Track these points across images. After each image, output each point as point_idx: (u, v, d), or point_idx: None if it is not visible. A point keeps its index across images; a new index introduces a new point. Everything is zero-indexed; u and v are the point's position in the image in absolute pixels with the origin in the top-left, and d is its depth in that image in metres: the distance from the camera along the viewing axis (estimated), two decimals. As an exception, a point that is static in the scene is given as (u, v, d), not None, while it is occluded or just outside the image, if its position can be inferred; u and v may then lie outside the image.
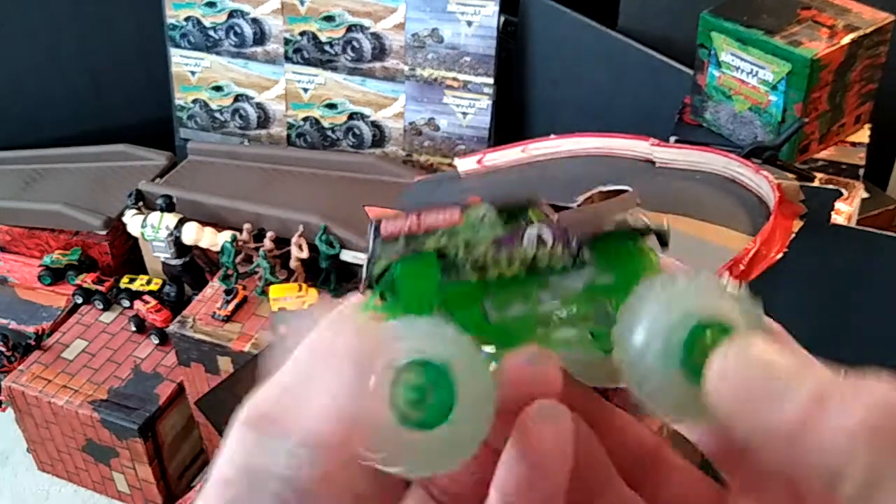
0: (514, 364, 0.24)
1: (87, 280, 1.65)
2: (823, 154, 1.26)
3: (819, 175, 1.21)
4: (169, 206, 1.60)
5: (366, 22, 1.72)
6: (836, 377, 0.22)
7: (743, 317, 0.24)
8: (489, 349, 0.25)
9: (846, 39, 1.16)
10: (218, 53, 1.84)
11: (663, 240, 0.26)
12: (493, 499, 0.24)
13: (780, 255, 0.94)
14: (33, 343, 1.58)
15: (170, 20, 1.84)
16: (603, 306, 0.25)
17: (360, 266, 1.46)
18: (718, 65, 1.25)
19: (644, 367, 0.23)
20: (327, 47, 1.77)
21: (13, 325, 1.66)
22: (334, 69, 1.78)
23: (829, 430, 0.21)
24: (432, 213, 0.24)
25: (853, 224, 1.19)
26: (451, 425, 0.23)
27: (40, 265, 1.72)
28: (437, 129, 1.76)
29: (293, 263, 1.50)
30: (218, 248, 1.53)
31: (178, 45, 1.86)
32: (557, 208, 0.26)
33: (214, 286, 1.51)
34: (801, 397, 0.21)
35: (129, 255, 1.75)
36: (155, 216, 1.59)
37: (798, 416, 0.21)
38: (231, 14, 1.80)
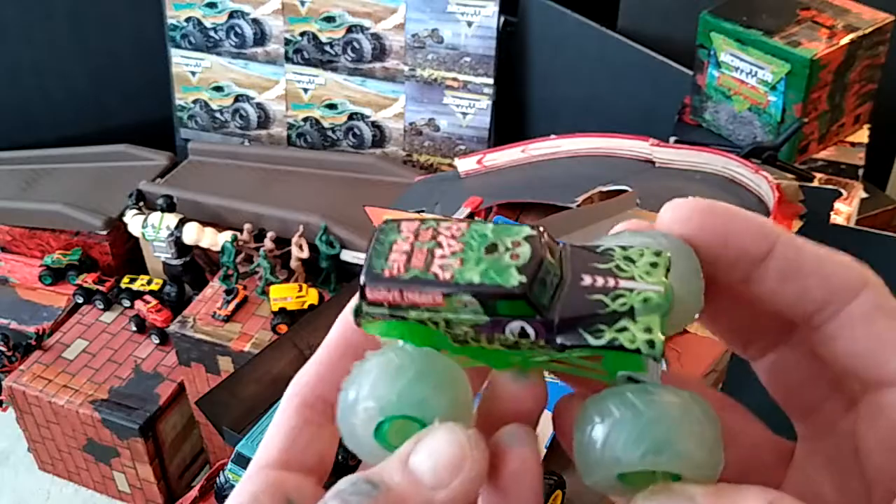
0: (499, 380, 0.25)
1: (87, 280, 1.66)
2: (823, 154, 1.26)
3: (818, 175, 1.22)
4: (169, 207, 1.60)
5: (366, 22, 1.73)
6: None
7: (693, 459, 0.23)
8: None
9: (845, 40, 1.17)
10: (218, 54, 1.84)
11: (655, 358, 0.25)
12: None
13: (779, 255, 0.94)
14: (34, 343, 1.59)
15: (170, 21, 1.84)
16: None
17: (361, 266, 1.46)
18: (718, 65, 1.25)
19: (589, 465, 0.24)
20: (327, 48, 1.77)
21: (14, 325, 1.66)
22: (334, 69, 1.78)
23: None
24: (415, 292, 0.24)
25: (852, 224, 1.19)
26: None
27: (41, 265, 1.72)
28: (437, 129, 1.76)
29: (293, 263, 1.50)
30: (218, 248, 1.53)
31: (178, 46, 1.86)
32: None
33: (215, 286, 1.51)
34: None
35: (129, 255, 1.75)
36: (155, 216, 1.59)
37: None
38: (231, 14, 1.80)
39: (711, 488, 0.23)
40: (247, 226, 1.53)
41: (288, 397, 0.27)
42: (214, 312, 1.44)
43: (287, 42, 1.79)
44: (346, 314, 0.26)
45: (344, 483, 0.23)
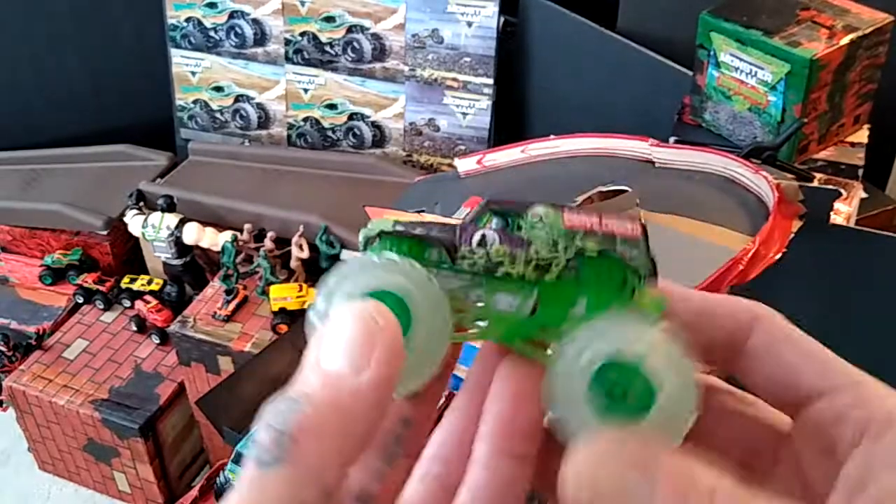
0: (487, 348, 0.27)
1: (87, 280, 1.66)
2: (822, 154, 1.26)
3: (818, 175, 1.22)
4: (170, 207, 1.60)
5: (366, 22, 1.73)
6: (681, 492, 0.22)
7: (659, 355, 0.25)
8: (482, 324, 0.27)
9: (845, 40, 1.17)
10: (218, 54, 1.84)
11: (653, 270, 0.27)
12: (483, 431, 0.26)
13: (779, 256, 0.94)
14: (34, 343, 1.59)
15: (170, 21, 1.84)
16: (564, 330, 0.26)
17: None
18: (718, 65, 1.25)
19: (559, 394, 0.25)
20: (327, 48, 1.77)
21: (14, 324, 1.66)
22: (334, 70, 1.78)
23: None
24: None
25: (852, 224, 1.19)
26: (410, 352, 0.24)
27: (41, 265, 1.72)
28: (438, 129, 1.76)
29: (294, 263, 1.50)
30: (218, 248, 1.53)
31: (178, 46, 1.86)
32: None
33: (215, 286, 1.51)
34: None
35: (129, 255, 1.75)
36: (156, 216, 1.59)
37: None
38: (231, 15, 1.80)
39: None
40: (247, 226, 1.53)
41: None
42: (215, 312, 1.44)
43: (287, 42, 1.79)
44: None
45: (268, 410, 0.22)
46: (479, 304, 0.26)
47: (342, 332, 0.23)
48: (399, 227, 0.26)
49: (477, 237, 0.26)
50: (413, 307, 0.25)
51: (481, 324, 0.27)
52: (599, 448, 0.23)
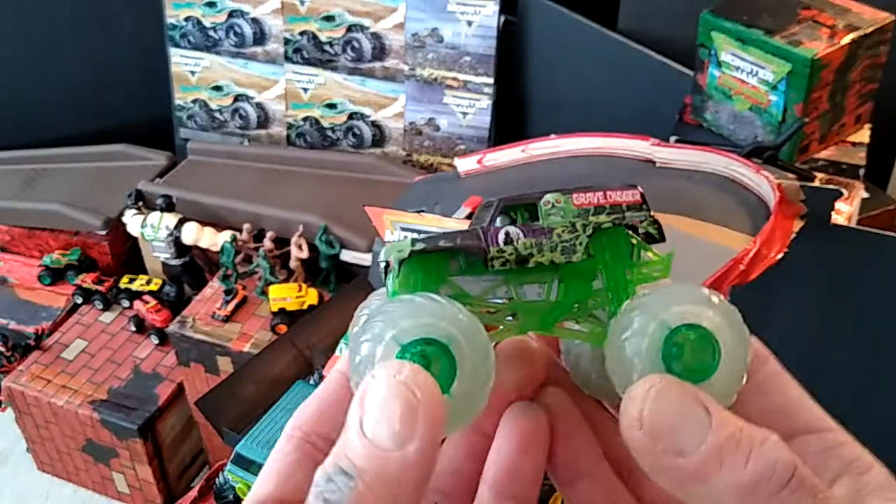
0: (507, 345, 0.28)
1: (86, 280, 1.65)
2: (824, 154, 1.26)
3: (819, 175, 1.21)
4: (169, 206, 1.60)
5: (366, 22, 1.72)
6: (735, 435, 0.24)
7: (722, 320, 0.26)
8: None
9: (846, 39, 1.16)
10: (218, 53, 1.84)
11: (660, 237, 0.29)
12: (489, 474, 0.28)
13: (780, 256, 0.94)
14: (33, 343, 1.58)
15: (170, 20, 1.84)
16: (595, 306, 0.28)
17: (360, 266, 1.46)
18: (719, 65, 1.25)
19: (625, 362, 0.26)
20: (327, 47, 1.77)
21: (13, 325, 1.66)
22: (334, 69, 1.78)
23: (721, 484, 0.24)
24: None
25: (853, 224, 1.18)
26: (454, 398, 0.25)
27: (40, 265, 1.71)
28: (437, 128, 1.76)
29: (293, 263, 1.50)
30: (218, 248, 1.53)
31: (177, 45, 1.86)
32: None
33: (214, 286, 1.51)
34: (701, 451, 0.24)
35: (128, 255, 1.75)
36: (155, 216, 1.59)
37: (696, 469, 0.24)
38: (231, 14, 1.80)
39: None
40: (246, 226, 1.53)
41: (288, 432, 0.27)
42: (214, 312, 1.44)
43: (287, 41, 1.79)
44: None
45: (320, 480, 0.23)
46: (508, 300, 0.27)
47: (385, 404, 0.23)
48: (423, 246, 0.26)
49: (502, 236, 0.27)
50: (458, 355, 0.25)
51: (511, 319, 0.27)
52: (662, 383, 0.25)
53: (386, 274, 0.27)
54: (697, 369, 0.26)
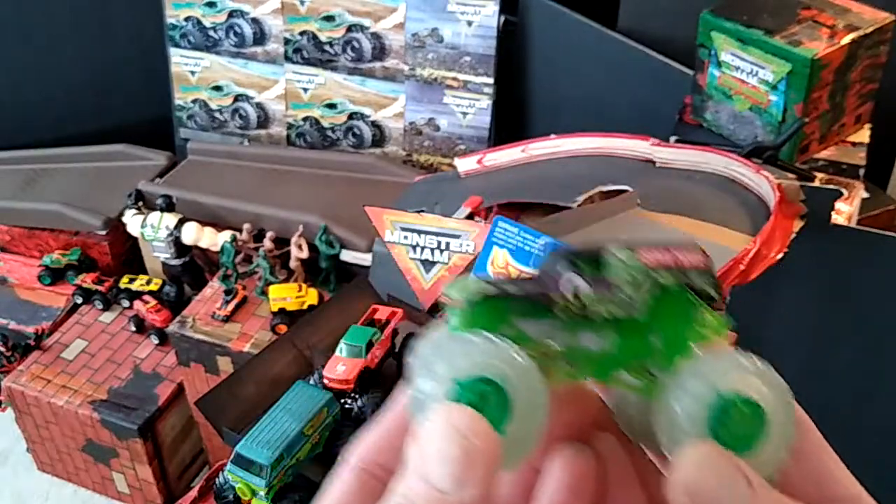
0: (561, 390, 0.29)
1: (86, 280, 1.65)
2: (824, 154, 1.26)
3: (819, 175, 1.22)
4: (169, 206, 1.60)
5: (366, 22, 1.73)
6: None
7: (773, 395, 0.27)
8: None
9: (846, 39, 1.16)
10: (218, 53, 1.84)
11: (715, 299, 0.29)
12: None
13: (780, 255, 0.94)
14: (33, 343, 1.58)
15: (170, 20, 1.84)
16: (650, 361, 0.29)
17: (360, 266, 1.46)
18: (719, 65, 1.25)
19: (674, 421, 0.27)
20: (327, 47, 1.77)
21: (13, 325, 1.66)
22: (334, 69, 1.78)
23: None
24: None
25: (853, 224, 1.19)
26: (506, 437, 0.26)
27: (40, 265, 1.72)
28: (438, 128, 1.76)
29: (293, 263, 1.50)
30: (218, 248, 1.53)
31: (177, 45, 1.86)
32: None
33: (214, 286, 1.51)
34: None
35: (128, 255, 1.75)
36: (155, 216, 1.59)
37: None
38: (231, 14, 1.80)
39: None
40: (246, 226, 1.53)
41: (350, 461, 0.28)
42: (214, 312, 1.44)
43: (286, 41, 1.79)
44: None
45: None
46: (565, 346, 0.28)
47: (444, 448, 0.25)
48: (495, 291, 0.27)
49: (567, 286, 0.28)
50: (513, 396, 0.26)
51: (566, 365, 0.28)
52: (709, 452, 0.26)
53: (442, 306, 0.28)
54: (743, 438, 0.27)
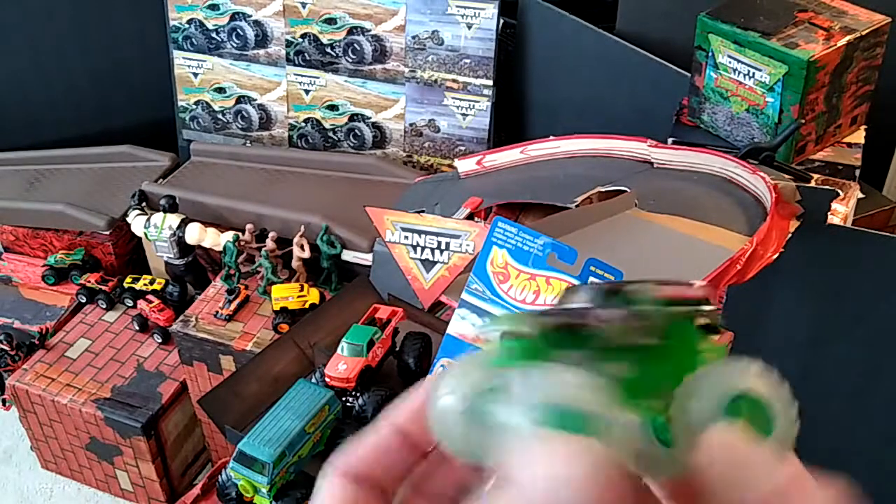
0: None
1: (90, 280, 1.66)
2: (820, 155, 1.27)
3: (816, 176, 1.22)
4: (172, 207, 1.61)
5: (366, 24, 1.74)
6: (799, 476, 0.27)
7: (776, 395, 0.30)
8: None
9: (842, 41, 1.17)
10: (220, 55, 1.85)
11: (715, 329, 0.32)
12: None
13: (776, 256, 0.95)
14: (37, 342, 1.60)
15: (173, 22, 1.85)
16: (664, 384, 0.31)
17: (361, 266, 1.47)
18: (716, 67, 1.26)
19: (691, 422, 0.29)
20: (328, 49, 1.78)
21: (17, 324, 1.67)
22: (335, 71, 1.79)
23: None
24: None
25: (849, 224, 1.19)
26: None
27: (44, 265, 1.73)
28: (438, 130, 1.77)
29: (295, 263, 1.51)
30: (220, 248, 1.54)
31: (180, 48, 1.87)
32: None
33: (217, 286, 1.52)
34: (767, 489, 0.27)
35: (132, 255, 1.76)
36: (158, 216, 1.60)
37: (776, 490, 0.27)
38: (233, 16, 1.81)
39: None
40: (248, 226, 1.54)
41: (335, 471, 0.28)
42: (216, 312, 1.45)
43: (288, 44, 1.80)
44: (407, 410, 0.29)
45: None
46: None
47: (568, 478, 0.25)
48: (555, 322, 0.29)
49: (592, 317, 0.30)
50: (597, 425, 0.28)
51: None
52: (734, 427, 0.28)
53: (486, 337, 0.30)
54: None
